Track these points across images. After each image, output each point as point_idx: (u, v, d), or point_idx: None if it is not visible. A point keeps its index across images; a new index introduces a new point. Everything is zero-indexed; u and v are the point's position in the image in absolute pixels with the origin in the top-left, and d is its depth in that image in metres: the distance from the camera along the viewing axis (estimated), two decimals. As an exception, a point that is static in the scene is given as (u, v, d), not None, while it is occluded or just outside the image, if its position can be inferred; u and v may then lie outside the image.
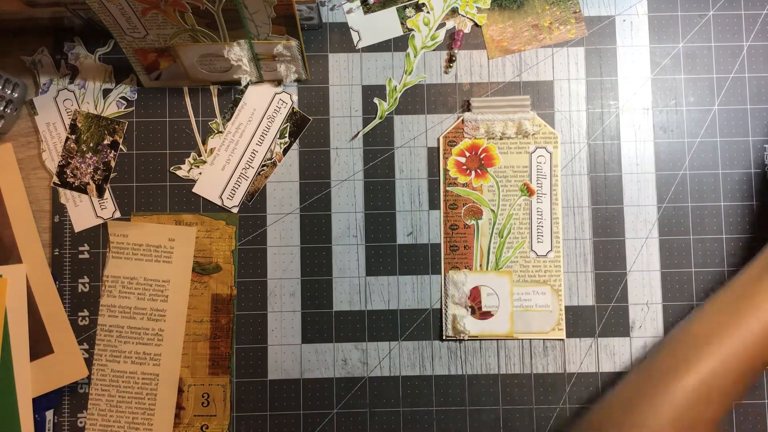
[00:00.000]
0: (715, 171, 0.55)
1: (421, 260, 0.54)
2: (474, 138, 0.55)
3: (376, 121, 0.55)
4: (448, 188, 0.55)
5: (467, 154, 0.55)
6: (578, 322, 0.54)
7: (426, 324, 0.54)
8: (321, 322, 0.54)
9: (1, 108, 0.53)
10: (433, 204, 0.55)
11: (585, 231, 0.55)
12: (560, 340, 0.54)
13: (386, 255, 0.55)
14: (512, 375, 0.54)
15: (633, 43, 0.56)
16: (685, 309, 0.54)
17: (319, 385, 0.54)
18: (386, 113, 0.52)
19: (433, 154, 0.55)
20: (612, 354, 0.54)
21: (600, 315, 0.54)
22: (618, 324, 0.54)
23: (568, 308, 0.54)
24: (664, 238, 0.54)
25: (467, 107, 0.55)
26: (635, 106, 0.55)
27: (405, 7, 0.55)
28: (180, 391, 0.53)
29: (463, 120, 0.55)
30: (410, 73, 0.53)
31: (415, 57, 0.53)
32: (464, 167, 0.55)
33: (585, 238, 0.55)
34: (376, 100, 0.53)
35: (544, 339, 0.54)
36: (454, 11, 0.56)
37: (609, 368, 0.54)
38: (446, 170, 0.55)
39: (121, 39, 0.51)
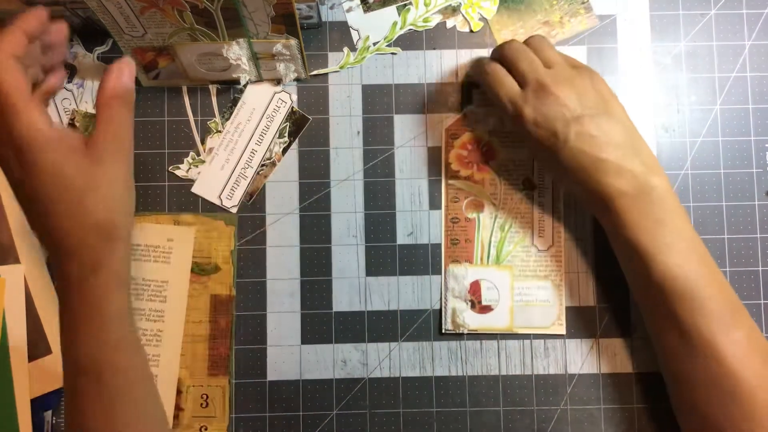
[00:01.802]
0: (716, 171, 0.55)
1: (421, 260, 0.54)
2: (476, 131, 0.55)
3: (334, 68, 0.55)
4: (449, 181, 0.54)
5: (469, 147, 0.55)
6: (579, 323, 0.54)
7: (426, 325, 0.54)
8: (320, 322, 0.54)
9: None
10: (434, 204, 0.55)
11: (586, 229, 0.54)
12: (561, 337, 0.53)
13: (386, 255, 0.54)
14: (513, 376, 0.53)
15: (634, 42, 0.55)
16: (686, 309, 0.54)
17: (318, 386, 0.53)
18: (347, 66, 0.53)
19: (433, 154, 0.55)
20: (613, 355, 0.54)
21: (601, 315, 0.54)
22: (619, 324, 0.54)
23: (568, 308, 0.54)
24: (665, 238, 0.54)
25: (470, 100, 0.55)
26: (636, 105, 0.55)
27: (405, 5, 0.55)
28: (179, 392, 0.53)
29: (465, 113, 0.55)
30: (389, 41, 0.53)
31: (400, 29, 0.53)
32: (466, 160, 0.54)
33: (586, 237, 0.54)
34: (345, 49, 0.54)
35: (544, 337, 0.53)
36: (455, 10, 0.55)
37: (610, 369, 0.53)
38: (448, 163, 0.54)
39: (120, 38, 0.50)
